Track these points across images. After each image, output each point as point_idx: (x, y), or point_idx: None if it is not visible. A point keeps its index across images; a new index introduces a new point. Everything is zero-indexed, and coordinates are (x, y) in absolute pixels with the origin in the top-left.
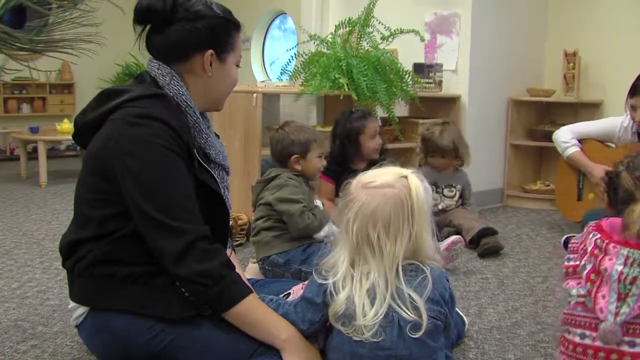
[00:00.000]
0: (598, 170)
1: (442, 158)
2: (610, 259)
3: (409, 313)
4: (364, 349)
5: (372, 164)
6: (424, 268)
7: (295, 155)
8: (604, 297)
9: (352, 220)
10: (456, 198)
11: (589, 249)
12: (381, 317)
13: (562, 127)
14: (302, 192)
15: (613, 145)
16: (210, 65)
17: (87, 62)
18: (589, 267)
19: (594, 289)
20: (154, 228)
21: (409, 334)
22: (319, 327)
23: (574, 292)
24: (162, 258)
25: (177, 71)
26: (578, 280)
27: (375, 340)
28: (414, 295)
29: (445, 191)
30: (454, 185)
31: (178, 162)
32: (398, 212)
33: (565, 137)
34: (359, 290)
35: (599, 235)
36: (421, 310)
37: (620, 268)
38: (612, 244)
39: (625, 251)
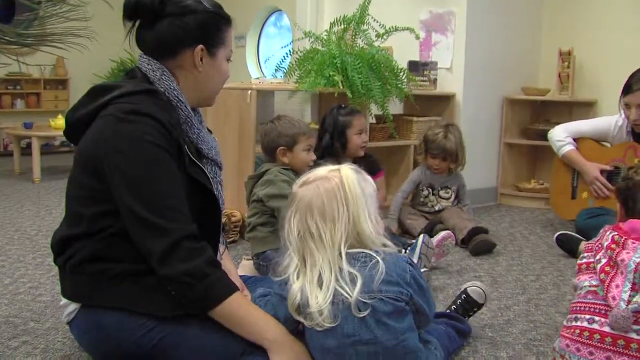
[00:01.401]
0: (593, 169)
1: (443, 160)
2: (628, 253)
3: (349, 292)
4: (331, 340)
5: (357, 160)
6: (373, 254)
7: (282, 148)
8: (617, 286)
9: (292, 216)
10: (452, 199)
11: (605, 244)
12: (329, 300)
13: (557, 126)
14: (292, 186)
15: (608, 145)
16: (201, 60)
17: (82, 58)
18: (604, 260)
19: (607, 279)
20: (141, 227)
21: (358, 314)
22: (295, 322)
23: (586, 283)
24: (149, 257)
25: (167, 66)
26: (590, 275)
27: (331, 324)
28: (353, 271)
29: (442, 192)
30: (449, 186)
31: (167, 159)
32: (331, 199)
33: (560, 135)
34: (310, 280)
35: (616, 233)
36: (357, 285)
37: (638, 260)
38: (630, 240)
39: None
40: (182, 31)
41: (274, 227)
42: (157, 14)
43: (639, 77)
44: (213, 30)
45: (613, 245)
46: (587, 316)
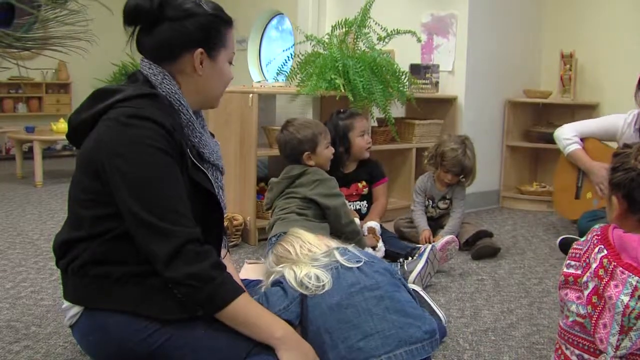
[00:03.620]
0: (599, 169)
1: (456, 175)
2: (616, 286)
3: (331, 260)
4: (335, 295)
5: (362, 165)
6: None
7: (307, 152)
8: (605, 326)
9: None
10: (449, 208)
11: (594, 266)
12: (313, 269)
13: (564, 125)
14: (336, 184)
15: (614, 145)
16: (201, 63)
17: (83, 62)
18: (591, 285)
19: (595, 315)
20: (145, 230)
21: (355, 264)
22: (297, 305)
23: (573, 308)
24: (153, 260)
25: (168, 70)
26: (578, 294)
27: (327, 283)
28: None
29: (440, 204)
30: (447, 197)
31: (169, 163)
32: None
33: (568, 134)
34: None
35: (605, 252)
36: (336, 252)
37: (626, 300)
38: (620, 268)
39: (634, 280)
40: (181, 35)
41: (307, 221)
42: (156, 18)
43: None
44: (213, 33)
45: (601, 272)
46: (577, 351)
